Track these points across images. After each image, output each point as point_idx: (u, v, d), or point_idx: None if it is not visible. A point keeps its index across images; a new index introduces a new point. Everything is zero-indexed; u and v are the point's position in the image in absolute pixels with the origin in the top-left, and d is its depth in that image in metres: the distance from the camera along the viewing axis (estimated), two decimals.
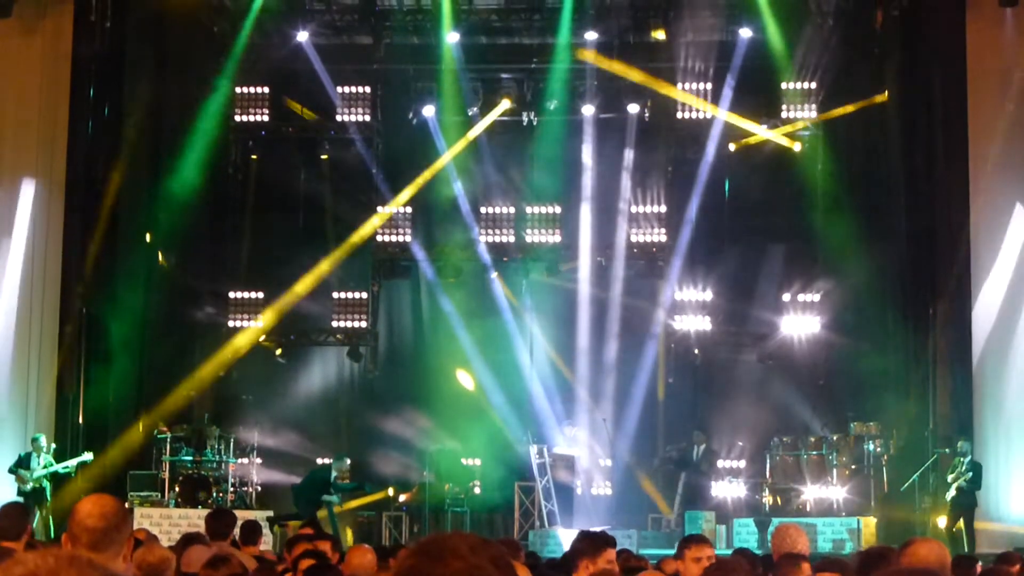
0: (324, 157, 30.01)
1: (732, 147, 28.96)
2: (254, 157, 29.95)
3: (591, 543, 8.37)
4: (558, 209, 29.06)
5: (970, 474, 22.36)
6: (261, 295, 29.12)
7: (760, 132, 28.77)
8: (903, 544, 6.52)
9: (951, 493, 22.52)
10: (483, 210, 29.20)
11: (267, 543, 19.23)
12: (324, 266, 28.94)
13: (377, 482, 27.17)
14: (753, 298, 28.90)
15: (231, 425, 26.53)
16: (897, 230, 26.42)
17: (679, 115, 28.72)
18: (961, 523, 22.35)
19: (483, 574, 3.24)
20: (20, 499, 21.36)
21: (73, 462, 23.03)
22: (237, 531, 11.72)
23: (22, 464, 22.50)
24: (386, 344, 30.29)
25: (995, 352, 23.78)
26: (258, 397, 28.71)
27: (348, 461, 24.86)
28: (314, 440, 28.42)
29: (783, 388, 28.15)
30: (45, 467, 22.52)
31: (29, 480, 22.35)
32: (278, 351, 29.17)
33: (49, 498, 22.49)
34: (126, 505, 21.83)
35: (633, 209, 29.00)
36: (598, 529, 14.80)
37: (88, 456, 23.21)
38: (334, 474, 23.88)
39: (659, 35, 29.24)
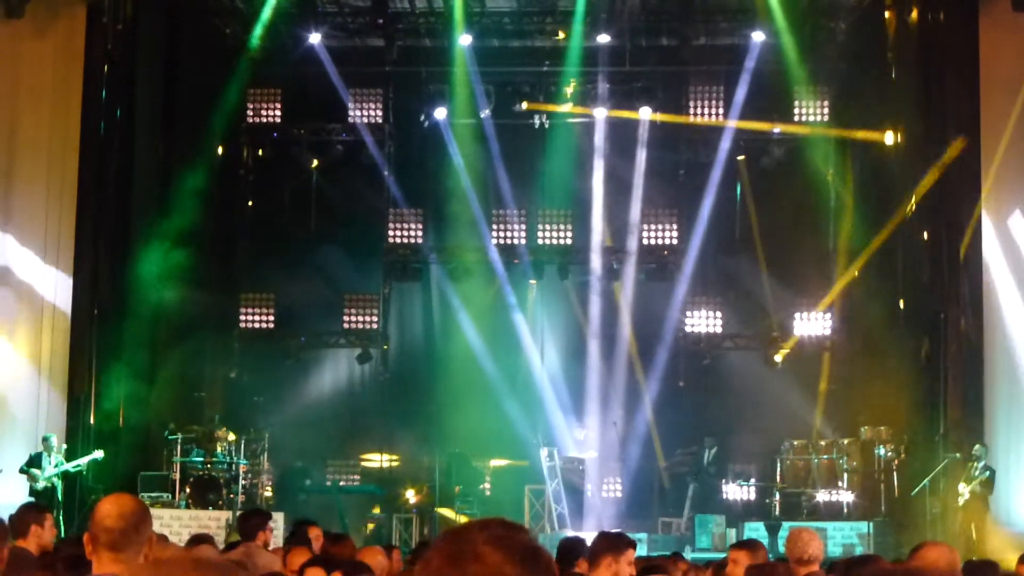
0: (335, 159, 30.01)
1: (740, 159, 29.08)
2: (265, 158, 29.95)
3: (613, 542, 8.38)
4: (569, 212, 29.09)
5: (987, 474, 22.32)
6: (272, 296, 29.18)
7: (772, 136, 28.78)
8: (914, 548, 6.52)
9: (964, 497, 22.48)
10: (494, 212, 29.23)
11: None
12: (335, 268, 28.95)
13: (387, 483, 27.26)
14: (764, 301, 28.89)
15: (242, 426, 26.52)
16: (909, 235, 26.37)
17: (691, 118, 28.71)
18: (973, 528, 22.34)
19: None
20: (32, 499, 21.38)
21: (84, 460, 22.99)
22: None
23: (33, 464, 22.49)
24: (397, 346, 30.31)
25: (1006, 357, 23.74)
26: (269, 398, 28.70)
27: None
28: (325, 442, 28.43)
29: (794, 392, 28.12)
30: (56, 466, 22.53)
31: (40, 479, 22.35)
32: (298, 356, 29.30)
33: (61, 498, 22.48)
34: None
35: (644, 212, 28.99)
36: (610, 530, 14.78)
37: (99, 454, 23.15)
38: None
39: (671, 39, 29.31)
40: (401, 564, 10.87)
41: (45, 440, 22.69)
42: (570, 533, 23.93)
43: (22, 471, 22.43)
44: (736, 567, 9.08)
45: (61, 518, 22.11)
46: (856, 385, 27.69)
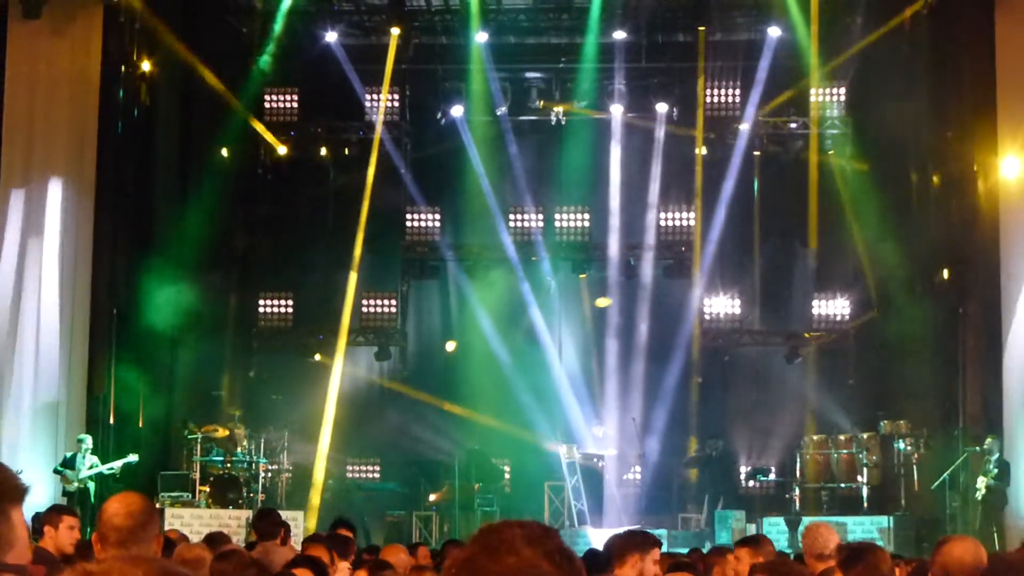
0: (352, 158, 30.01)
1: (757, 154, 29.05)
2: (282, 157, 29.95)
3: (639, 540, 8.36)
4: (586, 208, 29.07)
5: (996, 471, 22.28)
6: (290, 295, 29.22)
7: (789, 131, 28.75)
8: (939, 542, 6.50)
9: (980, 492, 22.44)
10: (511, 209, 29.24)
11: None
12: (353, 266, 28.98)
13: (406, 482, 27.28)
14: (782, 297, 28.86)
15: (261, 425, 26.56)
16: (927, 228, 26.30)
17: (707, 114, 28.69)
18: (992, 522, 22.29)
19: (536, 572, 3.13)
20: (64, 499, 21.41)
21: (119, 463, 22.87)
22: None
23: (68, 464, 22.43)
24: (415, 344, 30.33)
25: None
26: (288, 397, 28.71)
27: None
28: (344, 440, 28.43)
29: (813, 386, 28.08)
30: (91, 467, 22.46)
31: (74, 480, 22.29)
32: (316, 356, 29.23)
33: (93, 499, 22.47)
34: (156, 504, 21.88)
35: (662, 208, 28.98)
36: (635, 528, 14.76)
37: (134, 457, 22.95)
38: None
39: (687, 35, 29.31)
40: (430, 562, 10.82)
41: (80, 441, 22.60)
42: (590, 529, 23.95)
43: (56, 472, 22.40)
44: (740, 564, 8.99)
45: (92, 521, 22.04)
46: (875, 379, 27.65)
